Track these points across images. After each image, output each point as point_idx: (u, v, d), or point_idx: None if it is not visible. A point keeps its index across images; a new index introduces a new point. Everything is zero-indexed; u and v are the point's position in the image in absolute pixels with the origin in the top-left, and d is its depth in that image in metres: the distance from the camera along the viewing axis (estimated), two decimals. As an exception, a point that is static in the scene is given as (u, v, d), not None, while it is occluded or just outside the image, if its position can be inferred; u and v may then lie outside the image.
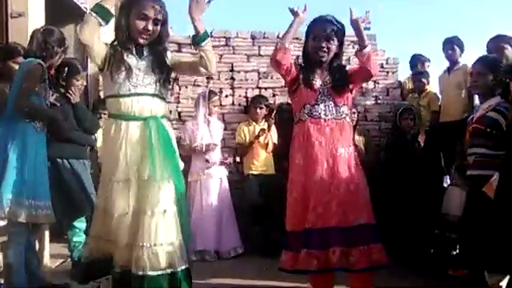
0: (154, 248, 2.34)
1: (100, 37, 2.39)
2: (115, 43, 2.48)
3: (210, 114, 4.64)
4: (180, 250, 2.43)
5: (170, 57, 2.62)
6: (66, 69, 3.49)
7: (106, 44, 2.47)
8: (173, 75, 2.76)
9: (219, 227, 4.51)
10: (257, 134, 4.66)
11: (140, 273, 2.32)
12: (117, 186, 2.40)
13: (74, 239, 3.57)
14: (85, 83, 3.64)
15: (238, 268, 4.07)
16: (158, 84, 2.49)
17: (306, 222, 2.62)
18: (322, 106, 2.74)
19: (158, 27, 2.47)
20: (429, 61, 5.55)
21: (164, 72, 2.53)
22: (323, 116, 2.73)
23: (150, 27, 2.43)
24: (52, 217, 2.90)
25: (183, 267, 2.42)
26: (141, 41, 2.46)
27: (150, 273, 2.33)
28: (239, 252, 4.57)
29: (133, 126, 2.43)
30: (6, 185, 2.71)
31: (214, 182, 4.60)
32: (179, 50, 5.03)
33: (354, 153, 2.82)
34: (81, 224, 3.59)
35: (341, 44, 2.81)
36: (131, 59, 2.46)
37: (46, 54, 2.99)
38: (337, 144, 2.71)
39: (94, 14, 2.31)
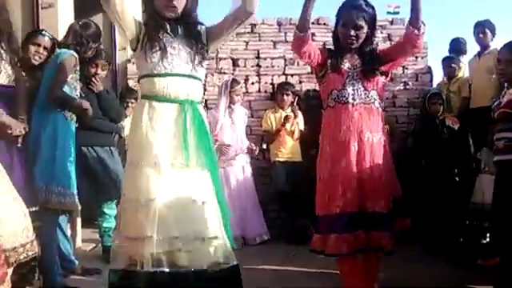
0: (196, 242, 2.19)
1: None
2: (148, 23, 2.37)
3: (232, 103, 4.62)
4: (225, 245, 2.28)
5: (203, 29, 2.47)
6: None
7: (140, 22, 2.37)
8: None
9: (244, 214, 4.52)
10: (282, 121, 4.65)
11: (180, 270, 2.17)
12: (146, 171, 2.22)
13: (104, 225, 3.66)
14: (100, 72, 3.60)
15: (264, 254, 4.11)
16: (194, 63, 2.35)
17: (334, 207, 2.62)
18: (349, 89, 2.68)
19: None
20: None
21: (200, 47, 2.38)
22: (351, 100, 2.67)
23: None
24: (77, 204, 2.97)
25: (230, 264, 2.27)
26: (168, 14, 2.33)
27: (192, 269, 2.16)
28: (265, 238, 4.60)
29: (167, 108, 2.29)
30: (39, 173, 2.79)
31: (236, 170, 4.62)
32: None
33: (384, 139, 2.76)
34: (111, 210, 3.67)
35: (372, 28, 2.74)
36: (166, 38, 2.33)
37: (80, 48, 3.03)
38: (364, 129, 2.66)
39: None
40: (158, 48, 2.28)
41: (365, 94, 2.70)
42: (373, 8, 2.73)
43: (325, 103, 2.80)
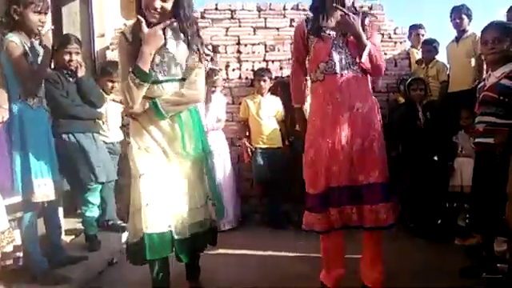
0: (188, 212, 2.56)
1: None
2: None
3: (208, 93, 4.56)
4: (208, 211, 2.70)
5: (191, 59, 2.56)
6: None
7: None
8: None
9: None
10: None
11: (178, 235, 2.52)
12: (153, 156, 2.52)
13: (87, 214, 3.62)
14: (75, 57, 3.48)
15: (247, 239, 4.18)
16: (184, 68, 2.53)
17: (323, 183, 2.56)
18: (336, 59, 2.57)
19: (167, 4, 2.40)
20: (424, 30, 5.52)
21: (190, 55, 2.52)
22: (339, 71, 2.56)
23: (157, 5, 2.38)
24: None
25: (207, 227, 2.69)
26: (151, 19, 2.40)
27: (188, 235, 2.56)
28: (234, 226, 4.64)
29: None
30: (16, 168, 2.72)
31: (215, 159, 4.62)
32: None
33: (374, 107, 2.66)
34: (95, 199, 3.65)
35: None
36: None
37: (15, 20, 2.75)
38: (353, 98, 2.57)
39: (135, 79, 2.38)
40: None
41: (352, 61, 2.59)
42: None
43: (311, 77, 2.69)
